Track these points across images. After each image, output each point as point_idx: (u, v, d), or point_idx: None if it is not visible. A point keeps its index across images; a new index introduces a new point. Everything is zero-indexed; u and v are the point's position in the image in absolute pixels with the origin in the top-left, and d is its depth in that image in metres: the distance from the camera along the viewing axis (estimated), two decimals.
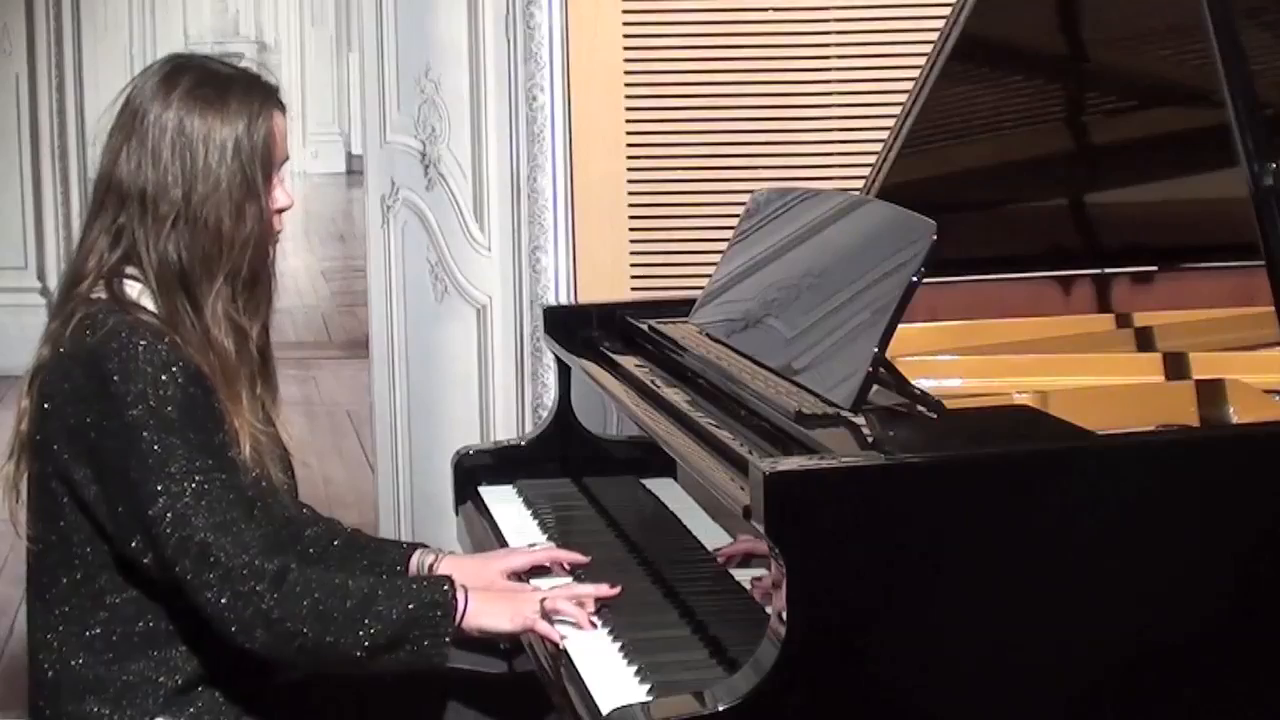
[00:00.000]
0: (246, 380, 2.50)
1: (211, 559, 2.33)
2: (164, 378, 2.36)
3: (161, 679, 2.45)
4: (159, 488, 2.34)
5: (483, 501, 3.22)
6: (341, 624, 2.35)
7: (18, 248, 8.67)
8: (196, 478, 2.35)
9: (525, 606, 2.47)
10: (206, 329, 2.45)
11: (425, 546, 2.74)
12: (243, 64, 2.59)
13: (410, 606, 2.38)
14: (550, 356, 3.70)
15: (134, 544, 2.38)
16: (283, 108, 2.54)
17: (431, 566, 2.69)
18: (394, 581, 2.43)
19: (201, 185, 2.44)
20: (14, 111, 8.55)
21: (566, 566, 2.70)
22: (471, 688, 2.70)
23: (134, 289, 2.46)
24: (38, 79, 8.54)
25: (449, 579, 2.46)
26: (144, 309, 2.44)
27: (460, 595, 2.42)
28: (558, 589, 2.54)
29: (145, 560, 2.39)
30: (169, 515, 2.34)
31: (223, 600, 2.34)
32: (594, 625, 2.47)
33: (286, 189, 2.55)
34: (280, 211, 2.55)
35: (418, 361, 4.53)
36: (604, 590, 2.51)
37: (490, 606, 2.46)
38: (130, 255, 2.46)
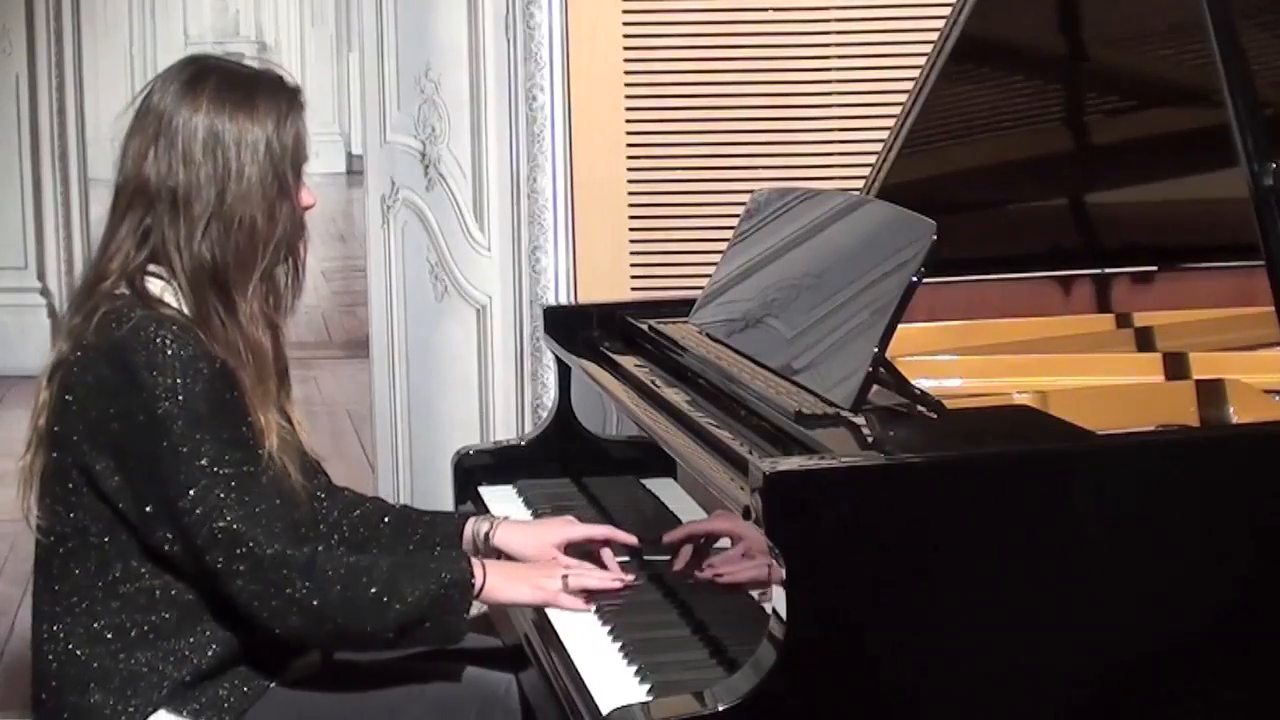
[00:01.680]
0: (274, 378, 2.53)
1: (242, 549, 2.37)
2: (191, 371, 2.39)
3: (167, 670, 2.47)
4: (189, 480, 2.37)
5: (483, 502, 3.22)
6: (369, 607, 2.39)
7: (18, 248, 8.66)
8: (227, 469, 2.39)
9: (547, 580, 2.52)
10: (240, 326, 2.48)
11: (478, 514, 2.79)
12: (253, 62, 2.60)
13: (431, 585, 2.43)
14: (550, 356, 3.70)
15: (160, 534, 2.40)
16: (304, 108, 2.56)
17: (487, 535, 2.72)
18: (413, 560, 2.49)
19: (235, 185, 2.47)
20: (14, 111, 8.54)
21: (622, 542, 2.71)
22: (472, 688, 2.69)
23: (156, 285, 2.48)
24: (38, 79, 8.53)
25: (465, 555, 2.50)
26: (167, 305, 2.46)
27: (478, 571, 2.46)
28: (580, 568, 2.57)
29: (172, 550, 2.40)
30: (199, 509, 2.37)
31: (254, 588, 2.38)
32: (620, 583, 2.53)
33: (309, 188, 2.57)
34: (306, 210, 2.57)
35: (418, 361, 4.53)
36: (620, 579, 2.55)
37: (509, 582, 2.51)
38: (157, 255, 2.49)
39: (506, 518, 2.81)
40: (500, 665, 2.77)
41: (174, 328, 2.41)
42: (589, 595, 2.54)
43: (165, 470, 2.38)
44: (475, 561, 2.49)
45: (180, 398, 2.37)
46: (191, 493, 2.37)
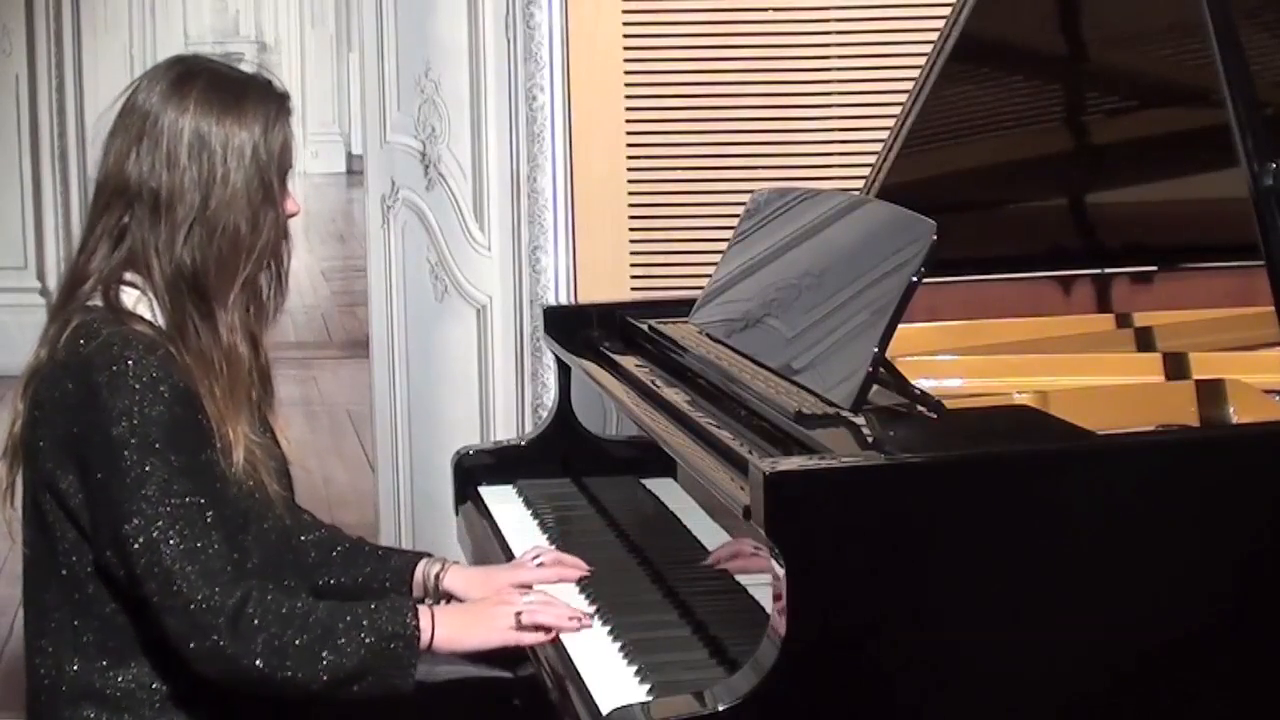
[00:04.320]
0: (248, 389, 2.49)
1: (174, 588, 2.32)
2: (150, 396, 2.34)
3: (157, 685, 2.44)
4: (134, 508, 2.33)
5: (483, 501, 3.22)
6: (298, 658, 2.34)
7: (18, 248, 8.67)
8: (172, 501, 2.33)
9: (500, 620, 2.47)
10: (216, 335, 2.44)
11: (430, 556, 2.73)
12: (243, 65, 2.58)
13: (370, 640, 2.37)
14: (550, 356, 3.70)
15: (109, 555, 2.37)
16: (292, 113, 2.53)
17: (438, 576, 2.68)
18: (355, 610, 2.41)
19: (219, 190, 2.42)
20: (14, 111, 8.55)
21: (573, 580, 2.68)
22: (472, 689, 2.69)
23: (130, 296, 2.44)
24: (38, 79, 8.54)
25: (413, 606, 2.44)
26: (140, 318, 2.42)
27: (425, 624, 2.40)
28: (534, 600, 2.52)
29: (118, 575, 2.37)
30: (140, 538, 2.32)
31: (182, 630, 2.33)
32: (575, 624, 2.46)
33: (294, 196, 2.54)
34: (290, 217, 2.54)
35: (418, 361, 4.53)
36: (576, 616, 2.49)
37: (463, 630, 2.45)
38: (134, 258, 2.44)
39: (458, 562, 2.77)
40: (499, 665, 2.77)
41: (140, 347, 2.36)
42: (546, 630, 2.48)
43: (114, 495, 2.34)
44: (424, 611, 2.43)
45: (135, 422, 2.33)
46: (135, 521, 2.32)
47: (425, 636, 2.40)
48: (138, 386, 2.34)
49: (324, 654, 2.35)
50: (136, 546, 2.33)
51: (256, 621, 2.33)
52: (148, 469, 2.33)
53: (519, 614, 2.47)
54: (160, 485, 2.33)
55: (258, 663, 2.33)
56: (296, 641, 2.34)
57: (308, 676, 2.34)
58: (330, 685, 2.36)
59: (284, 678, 2.34)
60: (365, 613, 2.41)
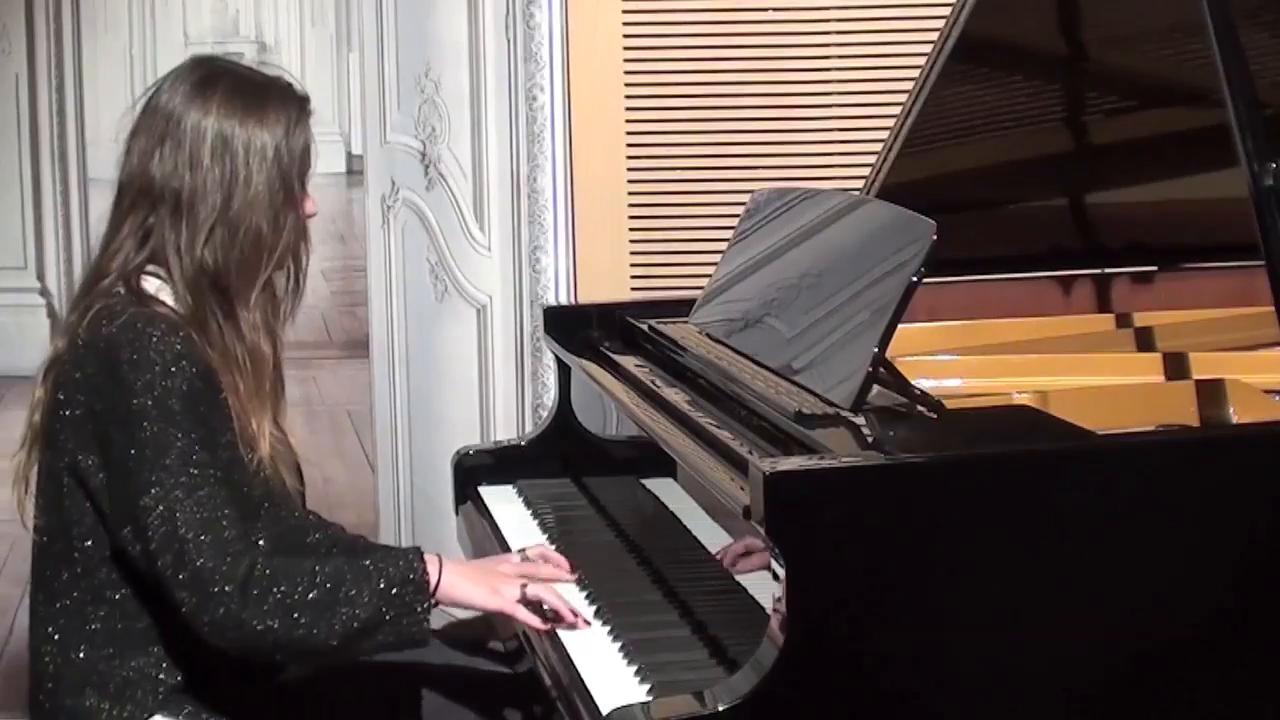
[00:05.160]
0: (271, 386, 2.52)
1: (187, 558, 2.33)
2: (173, 369, 2.37)
3: (161, 675, 2.46)
4: (153, 478, 2.35)
5: (483, 501, 3.22)
6: (311, 614, 2.34)
7: (17, 248, 8.67)
8: (192, 471, 2.35)
9: (505, 587, 2.46)
10: (239, 334, 2.47)
11: (427, 553, 2.74)
12: (264, 68, 2.59)
13: (380, 586, 2.37)
14: (550, 356, 3.70)
15: (125, 532, 2.39)
16: (312, 115, 2.55)
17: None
18: (361, 562, 2.42)
19: (241, 191, 2.45)
20: (14, 111, 8.55)
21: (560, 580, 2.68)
22: (472, 688, 2.70)
23: (152, 284, 2.47)
24: (38, 79, 8.54)
25: (418, 551, 2.45)
26: (162, 303, 2.45)
27: (433, 567, 2.41)
28: (539, 582, 2.51)
29: (134, 551, 2.39)
30: (159, 508, 2.34)
31: (195, 600, 2.33)
32: (573, 615, 2.46)
33: (312, 197, 2.56)
34: (308, 218, 2.55)
35: (418, 361, 4.53)
36: (577, 615, 2.47)
37: (466, 580, 2.45)
38: (157, 256, 2.47)
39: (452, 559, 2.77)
40: (499, 664, 2.78)
41: (163, 325, 2.40)
42: (545, 614, 2.47)
43: (133, 465, 2.36)
44: (430, 556, 2.44)
45: (156, 394, 2.35)
46: (154, 490, 2.34)
47: (432, 579, 2.41)
48: (160, 361, 2.37)
49: (337, 607, 2.35)
50: (154, 518, 2.34)
51: (266, 583, 2.34)
52: (167, 440, 2.35)
53: (524, 586, 2.46)
54: (180, 455, 2.35)
55: (272, 623, 2.33)
56: (309, 597, 2.34)
57: (323, 633, 2.34)
58: (346, 640, 2.35)
59: (298, 636, 2.34)
60: (373, 563, 2.42)
